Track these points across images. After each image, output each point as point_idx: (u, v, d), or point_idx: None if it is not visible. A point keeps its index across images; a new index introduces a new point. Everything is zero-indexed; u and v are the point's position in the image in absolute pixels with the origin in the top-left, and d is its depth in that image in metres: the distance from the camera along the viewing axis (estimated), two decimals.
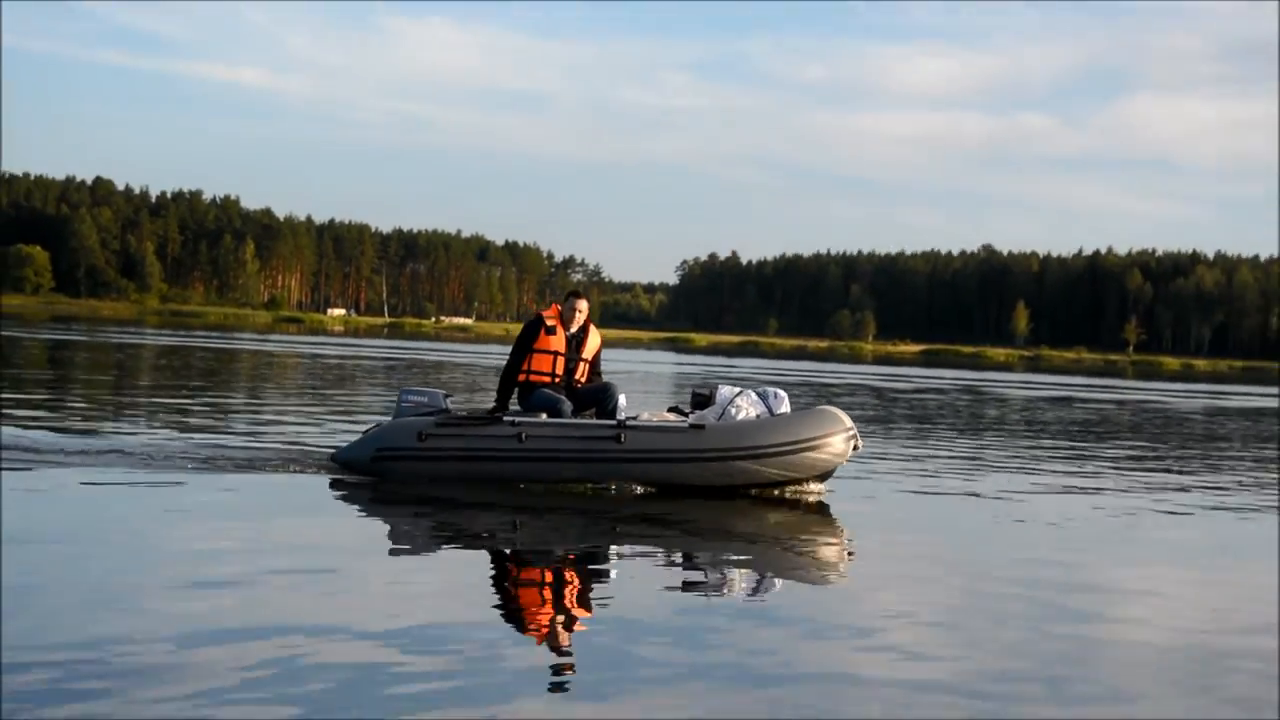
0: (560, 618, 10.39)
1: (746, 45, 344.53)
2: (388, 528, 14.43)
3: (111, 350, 58.94)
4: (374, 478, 16.39)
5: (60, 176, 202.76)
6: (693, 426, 16.18)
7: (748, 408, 16.40)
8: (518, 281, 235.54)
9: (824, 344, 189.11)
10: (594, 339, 16.98)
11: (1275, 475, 24.50)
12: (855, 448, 17.03)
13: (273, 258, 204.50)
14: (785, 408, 16.66)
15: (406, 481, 16.22)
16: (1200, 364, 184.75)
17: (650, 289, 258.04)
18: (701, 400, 16.66)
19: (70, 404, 27.53)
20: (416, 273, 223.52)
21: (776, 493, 16.64)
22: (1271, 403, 64.77)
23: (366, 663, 8.28)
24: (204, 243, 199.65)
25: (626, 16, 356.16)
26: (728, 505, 15.99)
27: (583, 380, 16.78)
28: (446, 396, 17.35)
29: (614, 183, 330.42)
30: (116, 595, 9.91)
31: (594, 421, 16.33)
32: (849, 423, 16.82)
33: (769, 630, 10.00)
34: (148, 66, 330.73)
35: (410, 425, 16.47)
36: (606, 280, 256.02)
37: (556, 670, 8.53)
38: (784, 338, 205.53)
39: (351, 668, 8.22)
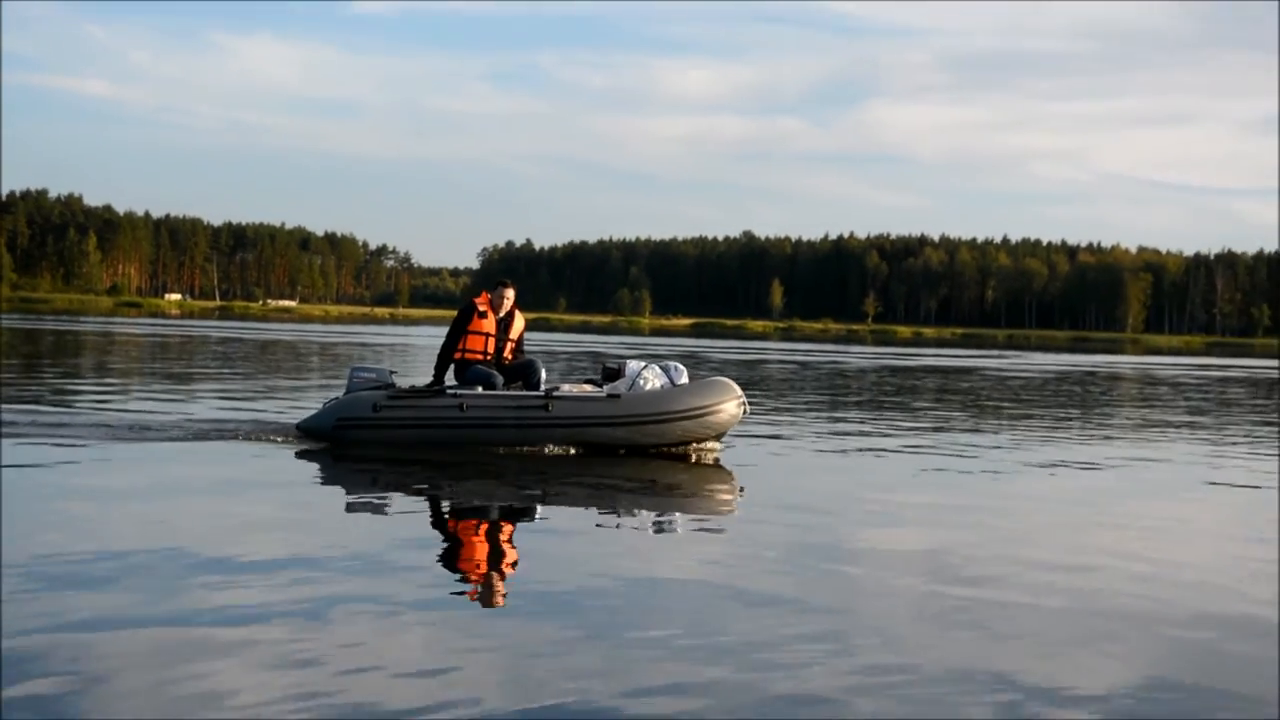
0: (492, 552, 10.87)
1: (538, 57, 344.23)
2: (346, 486, 14.72)
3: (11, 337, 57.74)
4: (333, 444, 16.64)
5: None
6: (610, 396, 16.60)
7: (653, 379, 16.83)
8: (336, 268, 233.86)
9: (607, 319, 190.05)
10: (519, 322, 17.29)
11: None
12: (745, 412, 17.58)
13: (113, 249, 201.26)
14: (684, 379, 17.08)
15: (363, 446, 16.52)
16: (928, 331, 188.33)
17: (456, 273, 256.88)
18: (611, 373, 17.08)
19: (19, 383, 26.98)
20: (245, 261, 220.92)
21: (680, 450, 17.07)
22: (995, 362, 66.94)
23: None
24: (50, 236, 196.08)
25: (432, 32, 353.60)
26: (639, 461, 16.36)
27: (509, 358, 17.09)
28: (392, 373, 17.81)
29: (422, 179, 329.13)
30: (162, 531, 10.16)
31: (526, 393, 16.65)
32: (739, 391, 17.29)
33: (674, 544, 11.04)
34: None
35: (366, 398, 16.72)
36: (416, 265, 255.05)
37: (485, 600, 8.90)
38: (572, 314, 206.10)
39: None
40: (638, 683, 6.71)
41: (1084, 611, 8.79)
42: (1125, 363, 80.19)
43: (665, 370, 17.16)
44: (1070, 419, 28.38)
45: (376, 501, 13.60)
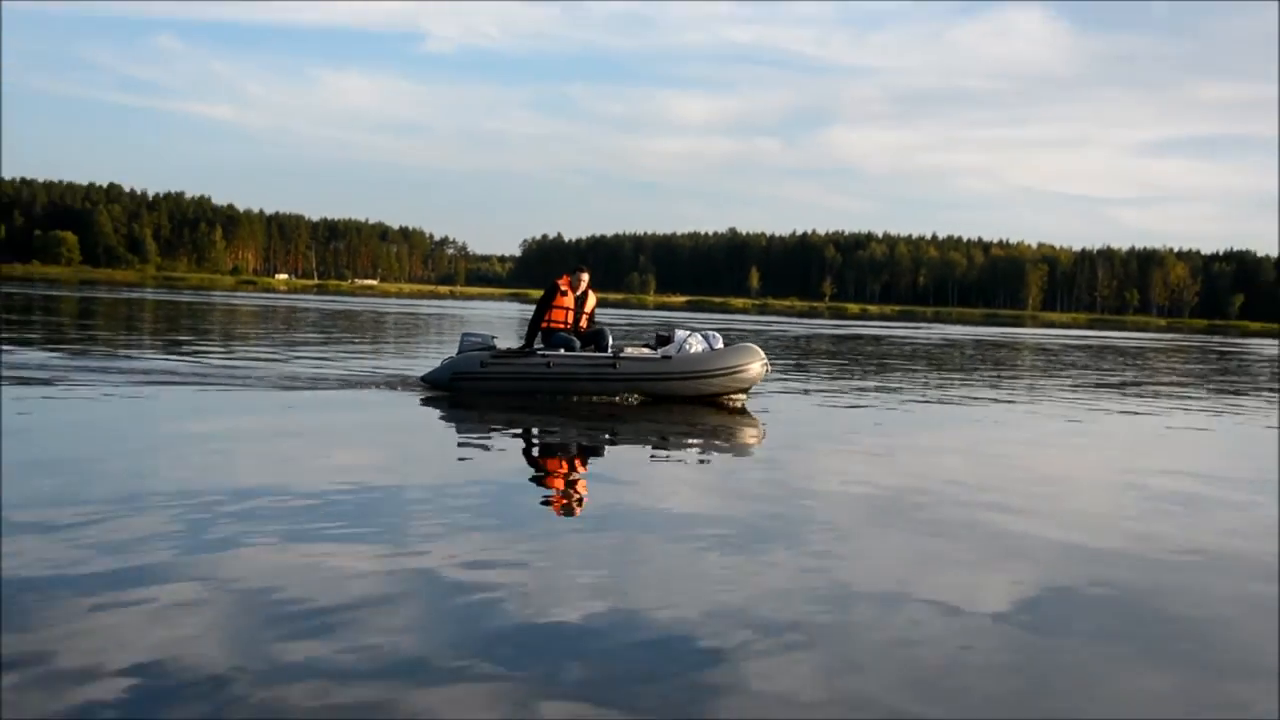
0: (568, 476, 10.92)
1: (569, 89, 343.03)
2: (453, 422, 14.76)
3: (163, 306, 57.48)
4: (450, 393, 16.76)
5: (84, 181, 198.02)
6: (663, 357, 16.73)
7: (696, 345, 16.95)
8: (408, 254, 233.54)
9: (620, 296, 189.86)
10: (591, 299, 17.29)
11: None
12: (767, 371, 17.79)
13: (235, 238, 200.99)
14: (720, 344, 17.19)
15: (473, 395, 16.58)
16: (872, 308, 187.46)
17: (502, 259, 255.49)
18: (663, 339, 17.09)
19: (202, 346, 27.11)
20: (337, 248, 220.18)
21: (719, 400, 17.04)
22: (925, 334, 67.02)
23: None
24: (186, 228, 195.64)
25: (485, 68, 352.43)
26: (685, 408, 16.38)
27: (584, 326, 17.15)
28: (493, 338, 17.92)
29: (476, 184, 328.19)
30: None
31: (598, 354, 16.66)
32: (763, 354, 17.39)
33: (708, 473, 11.07)
34: (146, 104, 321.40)
35: (474, 357, 16.82)
36: (471, 252, 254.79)
37: (564, 508, 9.10)
38: (592, 292, 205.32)
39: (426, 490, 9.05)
40: (671, 573, 6.90)
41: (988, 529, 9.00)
42: (1026, 334, 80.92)
43: (705, 337, 17.23)
44: (979, 374, 28.60)
45: (483, 437, 13.57)
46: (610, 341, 17.08)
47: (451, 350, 18.64)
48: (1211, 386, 28.67)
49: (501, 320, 55.99)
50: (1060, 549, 8.09)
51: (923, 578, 7.06)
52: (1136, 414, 19.48)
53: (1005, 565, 7.53)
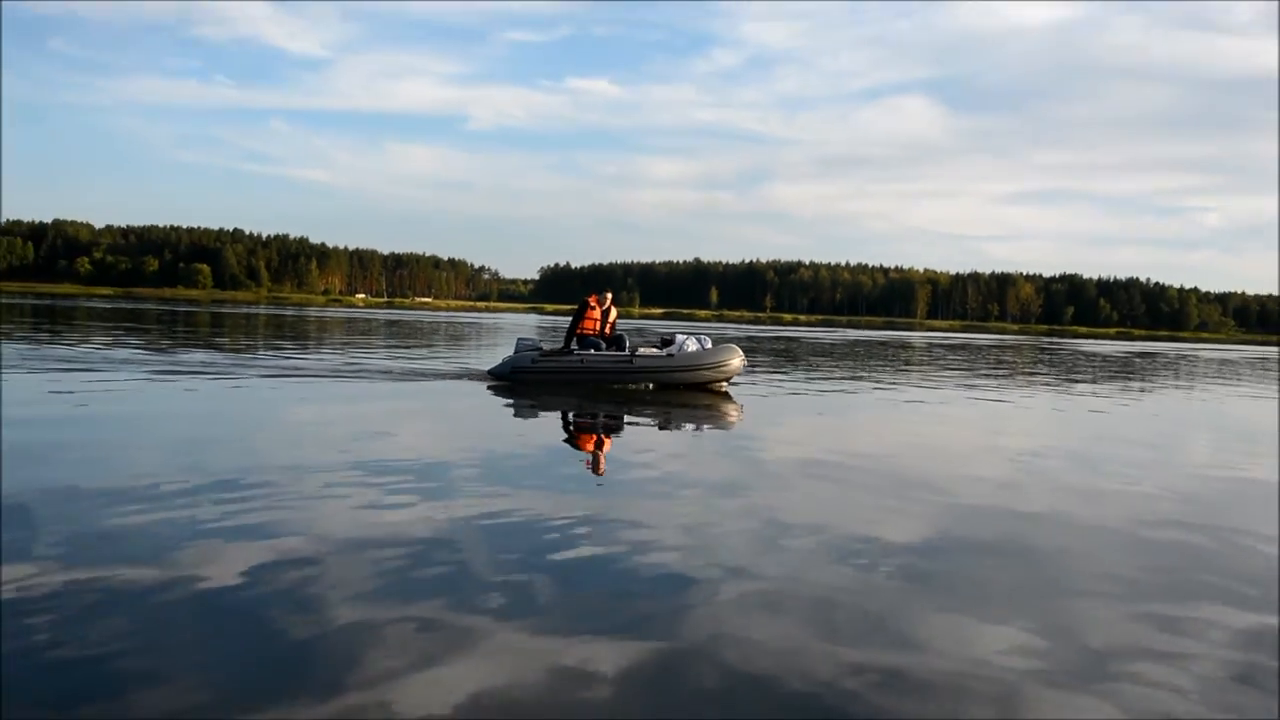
0: (597, 443, 10.93)
1: (577, 156, 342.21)
2: (515, 404, 14.44)
3: (277, 319, 57.30)
4: (510, 383, 16.61)
5: (215, 226, 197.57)
6: (668, 354, 16.65)
7: (692, 345, 16.84)
8: (455, 278, 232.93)
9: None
10: (613, 312, 17.14)
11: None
12: (745, 365, 17.68)
13: (326, 268, 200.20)
14: (709, 345, 17.07)
15: (528, 384, 16.38)
16: (802, 318, 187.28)
17: (525, 281, 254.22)
18: (667, 341, 16.93)
19: (315, 347, 27.16)
20: (401, 274, 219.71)
21: (710, 387, 16.85)
22: (845, 335, 67.13)
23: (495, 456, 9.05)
24: (290, 261, 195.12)
25: (516, 141, 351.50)
26: (685, 393, 16.26)
27: (609, 332, 16.98)
28: (540, 343, 17.87)
29: (507, 226, 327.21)
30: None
31: (619, 353, 16.56)
32: (741, 352, 17.29)
33: (700, 441, 11.02)
34: (261, 170, 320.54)
35: (528, 355, 16.76)
36: (502, 276, 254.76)
37: (594, 469, 8.97)
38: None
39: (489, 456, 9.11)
40: (678, 515, 6.90)
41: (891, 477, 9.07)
42: (916, 336, 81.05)
43: (699, 340, 17.12)
44: (878, 364, 28.70)
45: (535, 413, 13.54)
46: (627, 343, 16.99)
47: (505, 351, 18.74)
48: (1044, 374, 28.82)
49: (525, 328, 55.87)
50: (944, 494, 8.21)
51: (841, 514, 7.18)
52: (995, 397, 19.61)
53: (902, 506, 7.63)
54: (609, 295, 17.21)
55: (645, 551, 5.78)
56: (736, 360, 17.07)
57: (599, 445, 10.74)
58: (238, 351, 23.32)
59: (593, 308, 16.97)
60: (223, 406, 12.60)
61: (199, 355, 20.69)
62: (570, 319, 17.23)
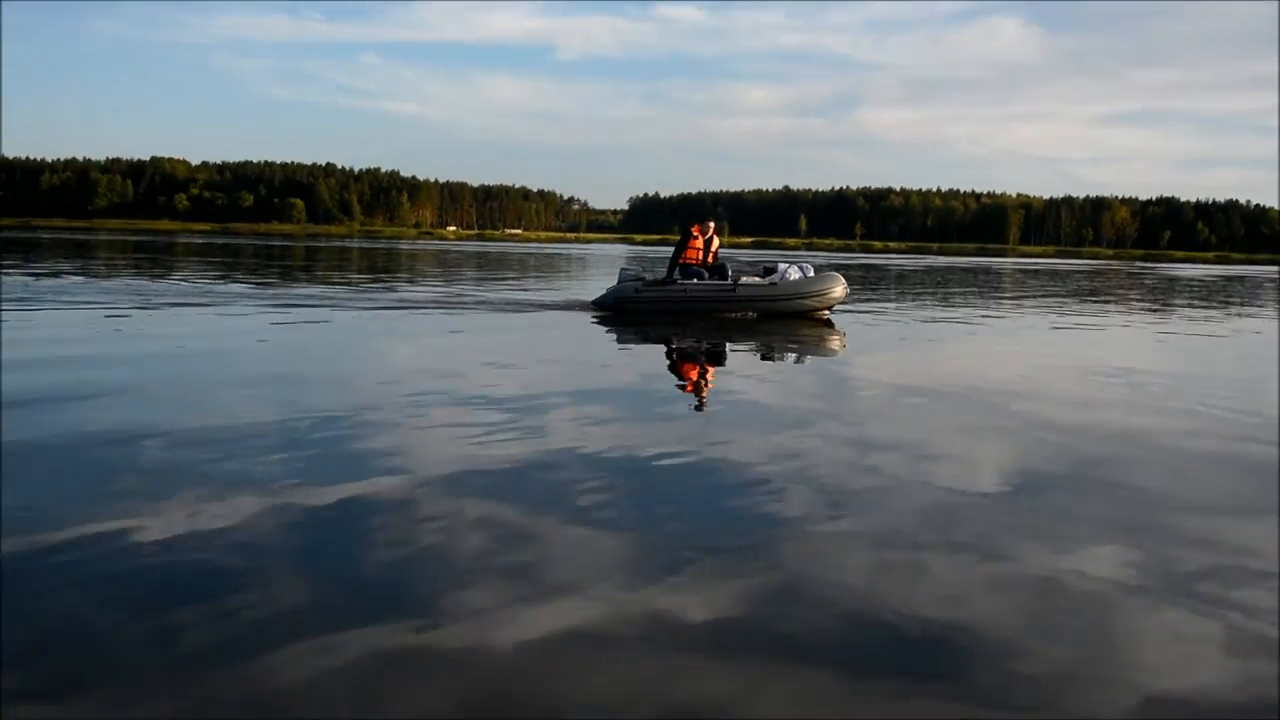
0: (700, 372, 11.01)
1: (665, 84, 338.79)
2: (619, 333, 14.62)
3: (375, 253, 57.79)
4: (614, 313, 16.73)
5: (308, 161, 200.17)
6: (770, 283, 16.66)
7: (795, 273, 16.87)
8: (544, 210, 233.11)
9: None
10: (716, 241, 17.10)
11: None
12: (848, 293, 17.70)
13: (417, 201, 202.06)
14: (811, 272, 17.03)
15: (631, 314, 16.49)
16: (893, 245, 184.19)
17: (615, 212, 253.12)
18: (769, 270, 16.94)
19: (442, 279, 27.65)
20: (492, 206, 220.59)
21: (812, 315, 16.89)
22: (936, 261, 66.14)
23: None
24: (381, 194, 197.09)
25: (604, 70, 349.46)
26: (787, 321, 16.26)
27: (711, 260, 16.99)
28: (644, 272, 17.99)
29: (596, 156, 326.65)
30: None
31: (722, 282, 16.52)
32: (844, 280, 17.23)
33: (801, 371, 10.95)
34: (354, 104, 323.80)
35: (631, 286, 16.87)
36: (591, 207, 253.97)
37: (695, 396, 9.24)
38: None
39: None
40: (773, 444, 6.85)
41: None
42: (1009, 262, 79.39)
43: (800, 268, 17.06)
44: (971, 291, 28.33)
45: (638, 342, 13.75)
46: (730, 272, 16.96)
47: (603, 282, 18.82)
48: (1143, 300, 28.22)
49: (614, 258, 55.89)
50: (1038, 419, 8.24)
51: (937, 439, 7.21)
52: (1089, 323, 19.31)
53: (1002, 431, 7.66)
54: (711, 224, 17.16)
55: (743, 480, 5.83)
56: (839, 289, 16.99)
57: (702, 374, 10.81)
58: (351, 285, 23.93)
59: (695, 237, 16.91)
60: (349, 338, 13.04)
61: (315, 289, 21.29)
62: (673, 248, 17.23)
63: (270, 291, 20.28)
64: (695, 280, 16.67)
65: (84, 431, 6.46)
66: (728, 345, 13.38)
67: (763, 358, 12.45)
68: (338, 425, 6.92)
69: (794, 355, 12.83)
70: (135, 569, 4.07)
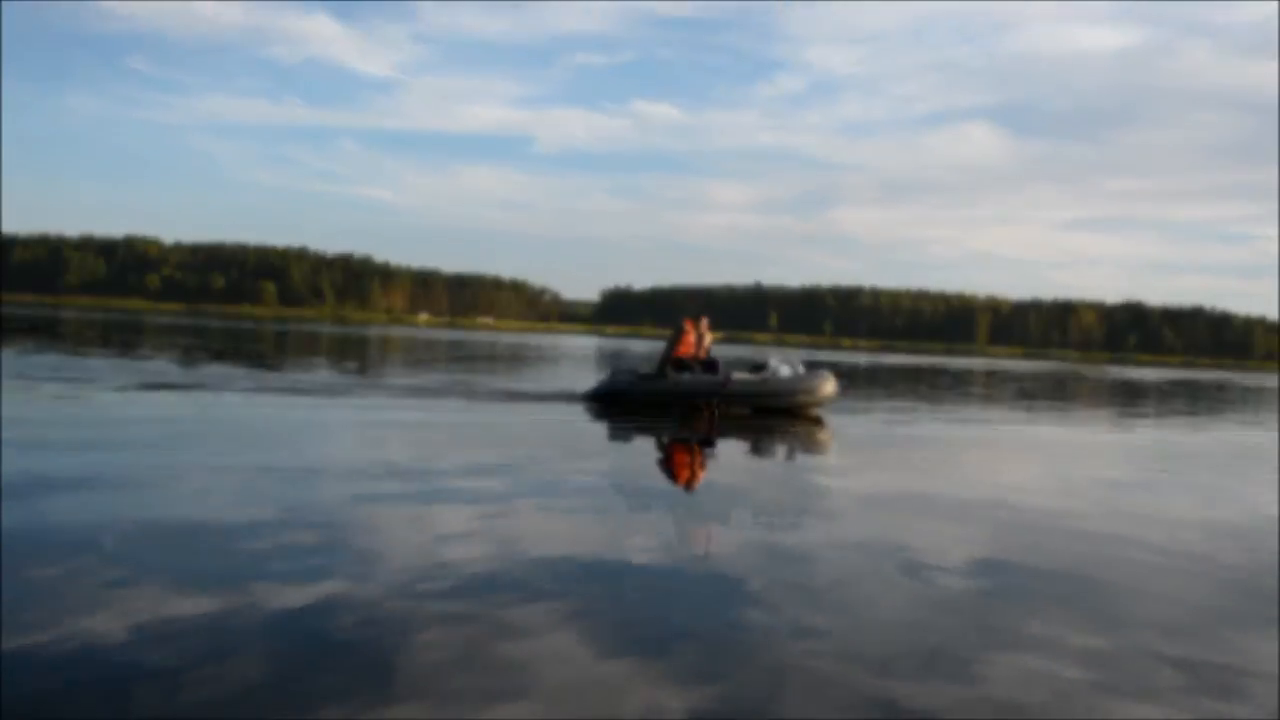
0: (689, 460, 11.33)
1: (640, 179, 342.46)
2: (610, 424, 14.70)
3: (354, 340, 57.64)
4: (608, 405, 16.70)
5: (282, 245, 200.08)
6: (763, 379, 16.94)
7: (786, 370, 17.16)
8: (517, 299, 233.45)
9: (668, 331, 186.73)
10: (708, 337, 17.35)
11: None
12: (839, 391, 17.92)
13: (389, 287, 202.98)
14: (802, 369, 17.36)
15: (625, 406, 16.53)
16: (863, 343, 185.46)
17: (586, 303, 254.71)
18: (758, 366, 17.24)
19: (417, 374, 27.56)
20: (463, 295, 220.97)
21: (802, 412, 17.05)
22: (902, 359, 66.87)
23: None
24: (354, 279, 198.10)
25: (577, 163, 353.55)
26: (776, 417, 16.43)
27: (703, 355, 17.17)
28: (636, 367, 18.14)
29: (567, 247, 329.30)
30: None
31: (714, 377, 16.74)
32: (834, 378, 17.51)
33: (790, 468, 11.38)
34: (328, 189, 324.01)
35: (625, 378, 17.11)
36: (563, 298, 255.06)
37: (686, 488, 9.41)
38: (655, 327, 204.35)
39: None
40: (753, 540, 7.05)
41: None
42: (977, 363, 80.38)
43: (791, 364, 17.42)
44: (946, 392, 28.78)
45: (630, 431, 14.01)
46: (721, 367, 17.18)
47: (585, 375, 18.95)
48: (1105, 406, 28.75)
49: (589, 350, 56.07)
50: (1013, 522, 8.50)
51: (894, 537, 7.29)
52: (1063, 429, 19.68)
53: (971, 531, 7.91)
54: (704, 320, 17.48)
55: (719, 573, 5.97)
56: (830, 386, 17.28)
57: (692, 468, 10.94)
58: (352, 373, 23.97)
59: (688, 332, 17.18)
60: (349, 425, 13.16)
61: (322, 376, 21.35)
62: (666, 342, 17.49)
63: (264, 379, 20.33)
64: (687, 375, 16.90)
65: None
66: (718, 439, 13.55)
67: (752, 453, 12.67)
68: (306, 521, 6.76)
69: (784, 452, 12.99)
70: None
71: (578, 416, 15.48)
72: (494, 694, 3.92)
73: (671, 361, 17.14)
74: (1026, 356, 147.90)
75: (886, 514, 8.37)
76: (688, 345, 17.17)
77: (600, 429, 14.40)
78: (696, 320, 17.45)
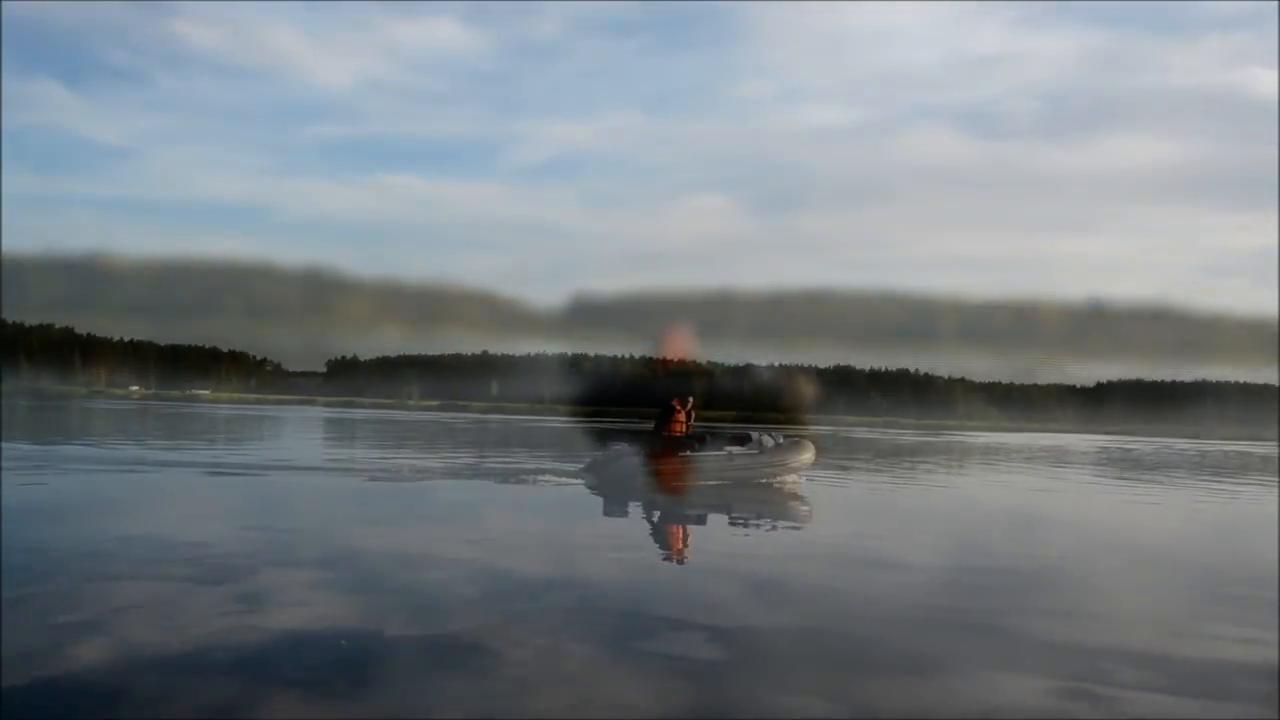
0: (678, 531, 12.15)
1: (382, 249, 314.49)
2: (603, 501, 15.38)
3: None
4: (600, 481, 16.83)
5: None
6: (757, 452, 17.56)
7: (770, 442, 17.87)
8: (234, 369, 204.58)
9: None
10: (693, 415, 17.89)
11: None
12: (815, 459, 18.65)
13: (92, 358, 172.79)
14: (781, 440, 18.13)
15: (614, 484, 16.66)
16: None
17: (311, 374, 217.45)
18: (740, 439, 17.87)
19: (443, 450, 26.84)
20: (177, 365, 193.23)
21: (780, 479, 17.62)
22: None
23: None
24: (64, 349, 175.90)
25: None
26: (758, 486, 17.12)
27: (689, 430, 17.62)
28: (628, 443, 18.92)
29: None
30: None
31: (718, 452, 17.38)
32: (813, 447, 18.38)
33: (771, 535, 12.30)
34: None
35: (615, 454, 17.62)
36: (284, 369, 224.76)
37: (665, 559, 10.30)
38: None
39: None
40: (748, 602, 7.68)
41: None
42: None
43: (772, 436, 18.19)
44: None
45: (623, 509, 14.66)
46: (707, 441, 17.66)
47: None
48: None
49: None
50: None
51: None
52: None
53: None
54: (690, 399, 18.17)
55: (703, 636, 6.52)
56: (808, 455, 18.18)
57: (677, 533, 11.79)
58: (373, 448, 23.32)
59: (678, 410, 17.73)
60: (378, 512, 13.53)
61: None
62: (655, 422, 17.96)
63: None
64: (676, 451, 17.44)
65: None
66: (709, 511, 14.24)
67: (735, 518, 13.58)
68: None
69: (767, 518, 13.89)
70: None
71: (571, 494, 15.88)
72: None
73: (662, 438, 17.71)
74: None
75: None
76: (679, 424, 17.72)
77: (590, 505, 14.78)
78: (684, 399, 18.01)
